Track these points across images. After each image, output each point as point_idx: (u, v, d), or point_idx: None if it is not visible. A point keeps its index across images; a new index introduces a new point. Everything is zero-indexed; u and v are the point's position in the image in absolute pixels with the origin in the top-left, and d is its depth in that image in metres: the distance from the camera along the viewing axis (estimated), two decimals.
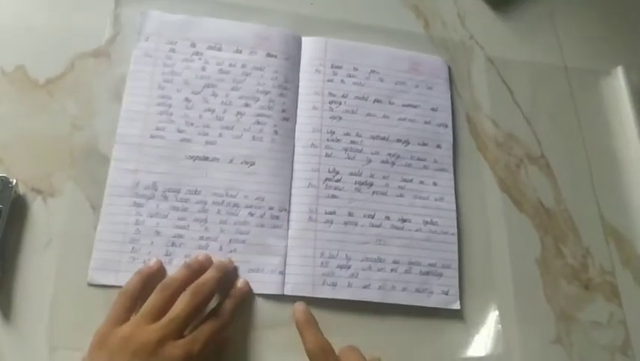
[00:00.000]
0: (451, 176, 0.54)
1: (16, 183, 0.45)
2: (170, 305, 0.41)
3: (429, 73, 0.58)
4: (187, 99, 0.51)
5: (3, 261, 0.43)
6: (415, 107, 0.56)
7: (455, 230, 0.52)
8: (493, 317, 0.50)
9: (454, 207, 0.53)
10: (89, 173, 0.47)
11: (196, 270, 0.44)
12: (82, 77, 0.50)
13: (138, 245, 0.46)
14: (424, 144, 0.54)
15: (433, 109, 0.56)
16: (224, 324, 0.43)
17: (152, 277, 0.43)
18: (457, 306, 0.49)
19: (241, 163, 0.50)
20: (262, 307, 0.46)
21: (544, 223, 0.55)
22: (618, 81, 0.62)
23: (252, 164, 0.50)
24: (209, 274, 0.44)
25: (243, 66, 0.53)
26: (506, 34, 0.63)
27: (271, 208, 0.49)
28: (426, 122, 0.55)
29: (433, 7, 0.62)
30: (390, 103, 0.55)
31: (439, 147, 0.55)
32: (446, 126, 0.56)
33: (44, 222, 0.45)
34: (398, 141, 0.54)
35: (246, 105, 0.52)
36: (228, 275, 0.46)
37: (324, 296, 0.47)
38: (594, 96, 0.62)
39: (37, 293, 0.43)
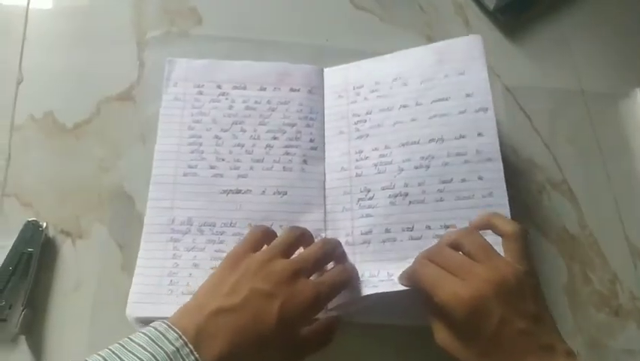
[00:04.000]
0: (500, 165, 0.48)
1: (46, 226, 0.46)
2: (298, 247, 0.43)
3: (459, 58, 0.53)
4: (217, 137, 0.51)
5: (34, 303, 0.44)
6: (446, 99, 0.51)
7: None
8: None
9: (506, 201, 0.47)
10: (115, 214, 0.48)
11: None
12: (108, 121, 0.51)
13: (176, 278, 0.46)
14: (462, 137, 0.49)
15: (467, 95, 0.51)
16: (346, 278, 0.43)
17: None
18: None
19: (273, 194, 0.50)
20: None
21: (569, 250, 0.54)
22: (637, 103, 0.61)
23: (285, 193, 0.50)
24: (335, 239, 0.46)
25: (268, 102, 0.53)
26: (522, 62, 0.63)
27: None
28: (460, 112, 0.50)
29: (447, 37, 0.62)
30: (417, 104, 0.52)
31: (480, 135, 0.49)
32: (486, 110, 0.50)
33: (74, 264, 0.46)
34: (431, 141, 0.50)
35: (274, 138, 0.52)
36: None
37: (366, 321, 0.46)
38: (613, 119, 0.62)
39: (68, 334, 0.43)
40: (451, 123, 0.50)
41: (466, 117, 0.50)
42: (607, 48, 0.67)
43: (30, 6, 0.56)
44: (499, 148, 0.49)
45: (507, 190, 0.48)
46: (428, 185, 0.49)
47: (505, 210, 0.47)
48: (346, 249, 0.48)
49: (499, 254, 0.40)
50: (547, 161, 0.58)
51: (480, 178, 0.48)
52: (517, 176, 0.57)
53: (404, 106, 0.52)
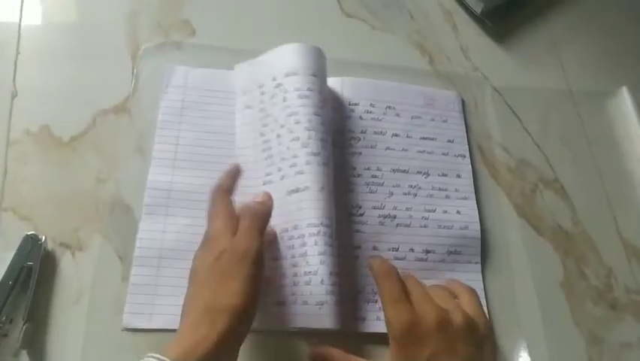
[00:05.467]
0: (474, 204, 0.53)
1: (45, 239, 0.46)
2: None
3: (443, 107, 0.58)
4: (278, 135, 0.49)
5: (35, 317, 0.43)
6: (433, 139, 0.56)
7: (479, 259, 0.51)
8: (522, 344, 0.49)
9: (478, 234, 0.52)
10: (114, 224, 0.47)
11: None
12: (104, 133, 0.50)
13: None
14: (444, 175, 0.54)
15: (449, 141, 0.56)
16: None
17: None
18: None
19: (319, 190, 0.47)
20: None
21: (564, 246, 0.54)
22: (624, 101, 0.62)
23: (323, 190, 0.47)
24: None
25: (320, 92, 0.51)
26: (510, 64, 0.64)
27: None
28: (444, 154, 0.55)
29: (436, 43, 0.63)
30: (407, 137, 0.55)
31: (459, 176, 0.55)
32: (464, 157, 0.56)
33: (74, 277, 0.45)
34: (418, 172, 0.54)
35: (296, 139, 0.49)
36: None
37: (354, 330, 0.46)
38: (602, 117, 0.62)
39: (69, 347, 0.42)
40: (435, 161, 0.55)
41: (447, 159, 0.56)
42: (592, 48, 0.68)
43: (23, 21, 0.55)
44: (473, 189, 0.55)
45: (499, 190, 0.54)
46: (414, 211, 0.52)
47: (477, 243, 0.52)
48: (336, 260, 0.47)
49: (460, 304, 0.43)
50: (539, 160, 0.59)
51: (458, 212, 0.53)
52: (509, 175, 0.57)
53: (396, 135, 0.55)
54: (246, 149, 0.51)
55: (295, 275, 0.45)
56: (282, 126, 0.49)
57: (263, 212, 0.42)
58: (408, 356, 0.39)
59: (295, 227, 0.46)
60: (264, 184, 0.48)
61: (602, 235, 0.56)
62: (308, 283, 0.44)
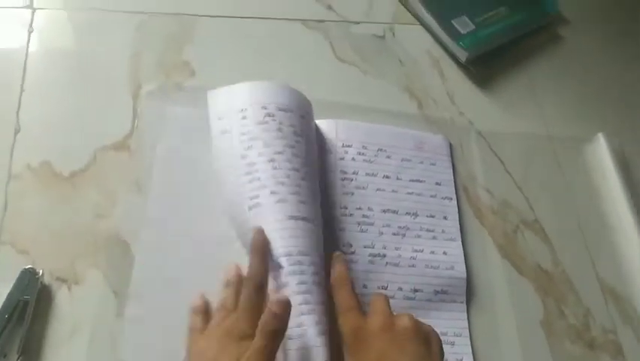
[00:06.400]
0: (460, 244, 0.55)
1: (43, 273, 0.46)
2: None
3: (432, 150, 0.60)
4: (272, 160, 0.48)
5: (29, 351, 0.43)
6: (422, 182, 0.57)
7: (464, 298, 0.52)
8: None
9: (464, 275, 0.53)
10: (111, 260, 0.48)
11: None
12: (103, 169, 0.51)
13: None
14: (432, 216, 0.56)
15: (437, 183, 0.58)
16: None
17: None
18: None
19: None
20: None
21: (544, 286, 0.55)
22: (600, 147, 0.64)
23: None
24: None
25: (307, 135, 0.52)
26: (493, 109, 0.67)
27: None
28: (432, 196, 0.57)
29: (424, 88, 0.66)
30: (398, 178, 0.57)
31: (445, 218, 0.56)
32: (451, 199, 0.58)
33: (69, 311, 0.45)
34: (407, 213, 0.55)
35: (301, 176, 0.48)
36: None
37: None
38: (579, 162, 0.65)
39: None
40: (423, 202, 0.57)
41: (435, 201, 0.57)
42: (570, 95, 0.71)
43: (28, 57, 0.57)
44: (459, 231, 0.56)
45: (483, 230, 0.56)
46: (403, 251, 0.53)
47: (463, 283, 0.53)
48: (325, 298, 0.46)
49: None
50: (520, 202, 0.61)
51: (445, 253, 0.54)
52: (492, 216, 0.59)
53: (387, 177, 0.57)
54: (226, 174, 0.48)
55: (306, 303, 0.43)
56: (279, 153, 0.48)
57: (280, 331, 0.39)
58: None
59: (300, 253, 0.44)
60: (249, 209, 0.46)
61: (580, 276, 0.57)
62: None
